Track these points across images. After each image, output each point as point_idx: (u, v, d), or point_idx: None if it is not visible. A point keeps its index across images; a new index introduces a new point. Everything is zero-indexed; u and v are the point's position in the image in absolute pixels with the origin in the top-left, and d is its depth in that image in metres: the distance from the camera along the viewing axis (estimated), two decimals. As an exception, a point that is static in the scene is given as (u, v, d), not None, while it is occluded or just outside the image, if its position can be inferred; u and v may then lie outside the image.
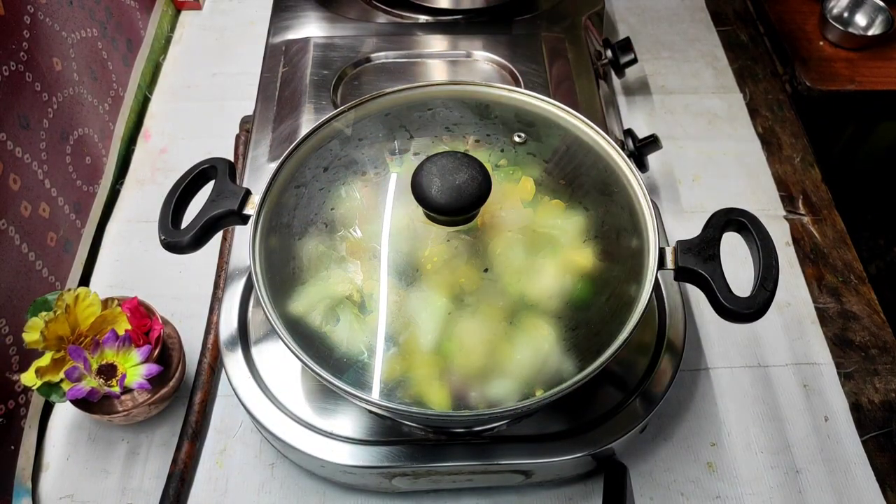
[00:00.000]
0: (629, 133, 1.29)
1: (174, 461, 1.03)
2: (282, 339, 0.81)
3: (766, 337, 1.18)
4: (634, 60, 1.42)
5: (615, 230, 0.90)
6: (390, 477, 0.95)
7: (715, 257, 0.82)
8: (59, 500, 1.03)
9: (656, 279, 0.84)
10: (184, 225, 0.88)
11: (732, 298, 0.80)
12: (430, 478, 0.97)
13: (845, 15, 1.68)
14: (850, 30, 1.63)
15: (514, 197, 0.91)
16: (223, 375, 1.10)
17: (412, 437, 0.95)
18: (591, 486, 1.04)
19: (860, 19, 1.67)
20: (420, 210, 0.84)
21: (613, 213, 0.92)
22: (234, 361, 0.99)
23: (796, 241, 1.30)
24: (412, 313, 0.84)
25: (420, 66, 1.34)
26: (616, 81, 1.53)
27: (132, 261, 1.26)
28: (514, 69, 1.31)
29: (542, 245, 0.88)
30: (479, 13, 1.43)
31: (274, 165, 0.93)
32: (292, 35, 1.38)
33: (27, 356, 1.02)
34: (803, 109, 1.52)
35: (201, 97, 1.51)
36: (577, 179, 0.94)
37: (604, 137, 0.96)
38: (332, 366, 0.81)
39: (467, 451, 0.93)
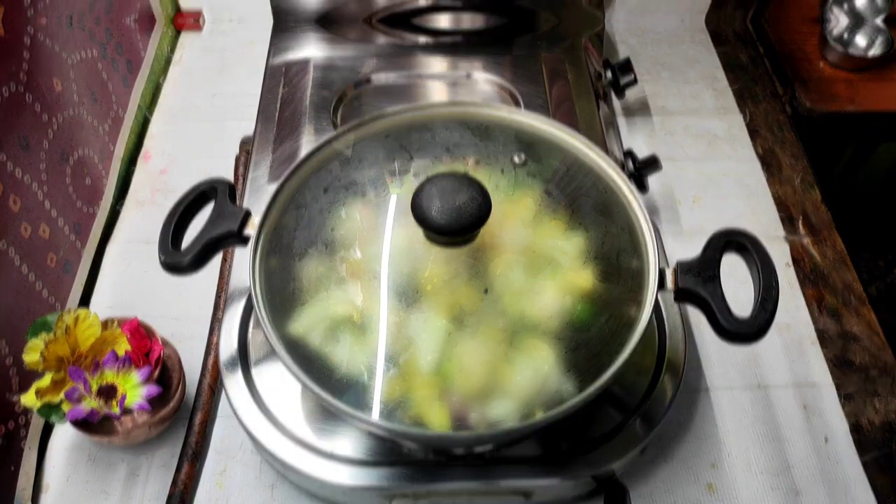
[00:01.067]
0: (629, 154, 1.29)
1: (174, 482, 1.02)
2: (282, 360, 0.81)
3: (766, 358, 1.18)
4: (634, 81, 1.42)
5: (615, 251, 0.90)
6: (390, 498, 0.95)
7: (715, 278, 0.83)
8: (58, 521, 1.03)
9: (656, 300, 0.84)
10: (184, 246, 0.88)
11: (732, 320, 0.80)
12: (430, 499, 0.96)
13: (845, 36, 1.68)
14: (851, 51, 1.63)
15: (514, 218, 0.92)
16: (223, 396, 1.09)
17: (412, 458, 0.94)
18: (592, 507, 1.04)
19: (860, 40, 1.67)
20: (420, 231, 0.85)
21: (613, 233, 0.92)
22: (234, 382, 0.99)
23: (796, 261, 1.30)
24: (412, 334, 0.84)
25: (420, 86, 1.34)
26: (616, 102, 1.53)
27: (132, 282, 1.26)
28: (514, 90, 1.31)
29: (543, 266, 0.88)
30: (479, 34, 1.44)
31: (274, 187, 0.93)
32: (292, 56, 1.39)
33: (27, 377, 1.02)
34: (803, 130, 1.52)
35: (201, 118, 1.52)
36: (577, 200, 0.94)
37: (604, 158, 0.96)
38: (331, 386, 0.81)
39: (467, 472, 0.93)
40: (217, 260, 1.05)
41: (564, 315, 0.85)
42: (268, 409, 0.98)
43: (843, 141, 1.72)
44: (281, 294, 0.87)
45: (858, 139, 1.72)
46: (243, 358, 1.02)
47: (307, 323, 0.85)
